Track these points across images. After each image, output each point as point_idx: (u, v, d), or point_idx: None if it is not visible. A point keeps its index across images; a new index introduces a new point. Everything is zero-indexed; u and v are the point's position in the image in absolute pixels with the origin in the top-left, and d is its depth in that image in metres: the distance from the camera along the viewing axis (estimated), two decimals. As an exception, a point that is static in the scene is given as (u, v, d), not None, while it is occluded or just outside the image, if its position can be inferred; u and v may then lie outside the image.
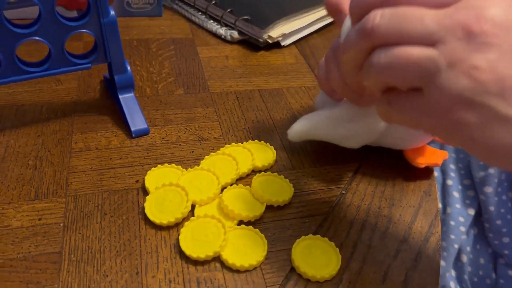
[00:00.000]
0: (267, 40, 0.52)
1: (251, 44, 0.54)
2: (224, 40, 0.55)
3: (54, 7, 0.32)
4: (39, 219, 0.31)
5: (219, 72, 0.49)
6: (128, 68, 0.38)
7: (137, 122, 0.38)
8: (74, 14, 0.53)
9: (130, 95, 0.39)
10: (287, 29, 0.53)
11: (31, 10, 0.51)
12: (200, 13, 0.57)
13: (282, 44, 0.53)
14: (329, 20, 0.58)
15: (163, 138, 0.39)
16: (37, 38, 0.33)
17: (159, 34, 0.55)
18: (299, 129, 0.35)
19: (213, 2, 0.56)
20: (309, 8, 0.55)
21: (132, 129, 0.38)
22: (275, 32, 0.52)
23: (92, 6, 0.33)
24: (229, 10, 0.54)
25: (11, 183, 0.33)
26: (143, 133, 0.38)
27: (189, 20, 0.58)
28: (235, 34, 0.53)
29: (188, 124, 0.41)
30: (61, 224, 0.30)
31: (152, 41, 0.53)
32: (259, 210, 0.32)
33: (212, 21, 0.56)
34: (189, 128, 0.40)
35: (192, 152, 0.38)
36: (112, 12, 0.34)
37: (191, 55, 0.51)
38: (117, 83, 0.37)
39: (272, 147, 0.38)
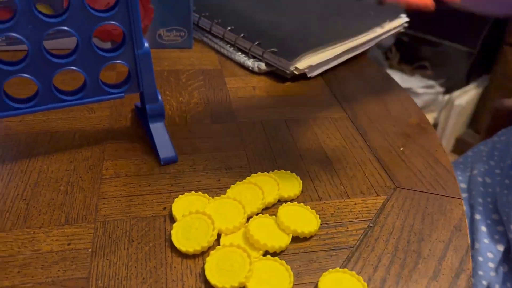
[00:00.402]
0: (294, 71, 0.53)
1: (278, 75, 0.55)
2: (251, 71, 0.56)
3: (91, 39, 0.33)
4: (68, 244, 0.31)
5: (246, 102, 0.50)
6: (160, 97, 0.39)
7: (166, 150, 0.39)
8: (108, 45, 0.56)
9: (160, 124, 0.40)
10: (314, 61, 0.53)
11: (68, 41, 0.54)
12: (229, 45, 0.59)
13: (309, 75, 0.54)
14: (355, 52, 0.59)
15: (190, 166, 0.39)
16: (74, 68, 0.34)
17: (189, 65, 0.56)
18: None
19: (242, 35, 0.57)
20: (335, 41, 0.56)
21: (161, 157, 0.39)
22: (302, 64, 0.53)
23: (127, 38, 0.34)
24: (257, 42, 0.55)
25: (43, 208, 0.34)
26: (171, 161, 0.39)
27: (218, 52, 0.60)
28: (262, 65, 0.55)
29: (215, 153, 0.41)
30: (90, 250, 0.31)
31: (182, 72, 0.55)
32: (284, 241, 0.32)
33: (240, 53, 0.57)
34: (216, 156, 0.41)
35: (219, 180, 0.38)
36: (146, 44, 0.35)
37: (219, 86, 0.53)
38: (148, 112, 0.38)
39: (298, 177, 0.38)
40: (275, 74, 0.55)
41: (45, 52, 0.33)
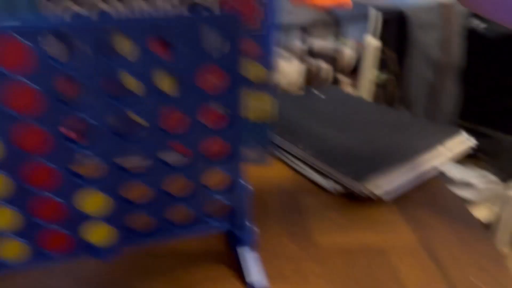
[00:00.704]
0: (369, 194, 0.56)
1: (352, 195, 0.58)
2: (326, 190, 0.59)
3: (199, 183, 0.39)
4: None
5: (323, 223, 0.53)
6: (250, 225, 0.43)
7: (254, 275, 0.42)
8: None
9: (249, 250, 0.43)
10: (386, 183, 0.57)
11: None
12: (304, 164, 0.63)
13: (384, 199, 0.57)
14: (428, 174, 0.62)
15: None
16: (185, 206, 0.39)
17: (264, 182, 0.61)
18: None
19: (317, 156, 0.62)
20: (405, 160, 0.60)
21: (248, 281, 0.42)
22: (375, 186, 0.56)
23: (234, 184, 0.39)
24: (333, 165, 0.60)
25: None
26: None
27: (293, 169, 0.65)
28: (338, 187, 0.58)
29: (298, 281, 0.44)
30: None
31: (259, 189, 0.59)
32: None
33: (314, 171, 0.62)
34: (299, 284, 0.43)
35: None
36: (248, 185, 0.40)
37: (295, 204, 0.56)
38: (238, 237, 0.43)
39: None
40: (350, 195, 0.58)
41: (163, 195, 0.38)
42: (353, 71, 1.55)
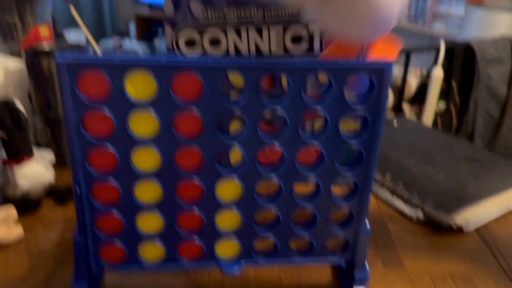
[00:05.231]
0: (451, 225, 0.59)
1: (433, 223, 0.61)
2: (408, 218, 0.63)
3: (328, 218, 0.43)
4: None
5: (410, 249, 0.56)
6: (367, 266, 0.47)
7: None
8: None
9: None
10: (470, 216, 0.60)
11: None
12: (387, 190, 0.67)
13: (465, 230, 0.60)
14: (508, 208, 0.64)
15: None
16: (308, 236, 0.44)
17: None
18: None
19: (400, 184, 0.65)
20: (488, 196, 0.62)
21: None
22: (460, 218, 0.59)
23: (355, 218, 0.44)
24: (415, 193, 0.63)
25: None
26: None
27: (375, 195, 0.69)
28: (420, 214, 0.62)
29: (394, 301, 0.48)
30: None
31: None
32: None
33: (397, 198, 0.66)
34: (396, 305, 0.47)
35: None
36: (368, 224, 0.45)
37: (382, 229, 0.60)
38: (355, 278, 0.46)
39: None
40: (431, 223, 0.62)
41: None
42: (415, 100, 1.57)
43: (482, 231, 0.61)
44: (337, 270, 0.52)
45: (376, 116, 0.39)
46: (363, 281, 0.47)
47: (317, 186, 0.42)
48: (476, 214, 0.61)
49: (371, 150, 0.41)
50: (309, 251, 0.46)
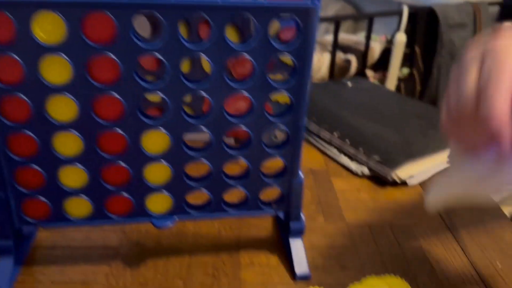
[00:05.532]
0: (395, 179, 0.59)
1: (378, 179, 0.61)
2: (354, 173, 0.63)
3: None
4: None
5: (352, 203, 0.57)
6: (303, 217, 0.46)
7: (301, 267, 0.45)
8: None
9: (299, 240, 0.46)
10: (414, 170, 0.60)
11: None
12: (334, 148, 0.67)
13: (409, 184, 0.60)
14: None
15: (310, 263, 0.46)
16: (241, 188, 0.43)
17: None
18: (436, 199, 0.35)
19: (347, 141, 0.65)
20: (435, 152, 0.63)
21: (297, 273, 0.44)
22: (403, 173, 0.59)
23: (288, 169, 0.43)
24: (361, 149, 0.63)
25: (197, 287, 0.42)
26: (305, 278, 0.44)
27: (322, 152, 0.68)
28: (366, 170, 0.62)
29: (330, 252, 0.48)
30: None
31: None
32: None
33: (344, 155, 0.65)
34: (331, 255, 0.47)
35: (336, 279, 0.44)
36: (302, 175, 0.44)
37: (327, 185, 0.60)
38: (291, 229, 0.46)
39: (409, 285, 0.43)
40: (376, 178, 0.62)
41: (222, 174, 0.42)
42: (380, 66, 1.57)
43: (427, 185, 0.62)
44: (277, 224, 0.52)
45: (303, 60, 0.38)
46: (298, 233, 0.47)
47: (248, 136, 0.41)
48: (421, 169, 0.61)
49: (300, 97, 0.40)
50: (244, 204, 0.45)
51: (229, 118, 0.40)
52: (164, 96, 0.37)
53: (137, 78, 0.36)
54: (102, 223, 0.43)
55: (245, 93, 0.39)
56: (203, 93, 0.38)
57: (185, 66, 0.38)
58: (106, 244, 0.47)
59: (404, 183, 0.61)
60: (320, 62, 1.33)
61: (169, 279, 0.43)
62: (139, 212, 0.43)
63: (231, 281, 0.43)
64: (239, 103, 0.40)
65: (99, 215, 0.42)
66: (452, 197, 0.35)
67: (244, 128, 0.40)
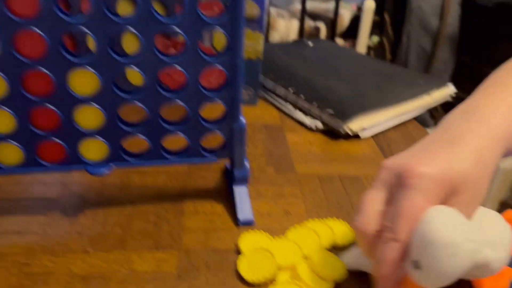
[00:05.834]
0: (348, 131, 0.59)
1: (333, 133, 0.61)
2: (308, 128, 0.63)
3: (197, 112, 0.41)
4: (158, 267, 0.38)
5: (304, 156, 0.56)
6: (247, 164, 0.45)
7: (245, 213, 0.44)
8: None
9: (243, 187, 0.46)
10: (367, 123, 0.60)
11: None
12: (289, 104, 0.66)
13: (361, 136, 0.60)
14: (406, 117, 0.65)
15: (255, 210, 0.45)
16: (182, 135, 0.42)
17: (253, 119, 0.64)
18: (346, 262, 0.39)
19: (302, 96, 0.64)
20: (387, 106, 0.62)
21: (240, 219, 0.44)
22: (355, 125, 0.59)
23: (228, 113, 0.42)
24: (315, 103, 0.63)
25: (136, 234, 0.41)
26: (248, 223, 0.44)
27: (278, 109, 0.68)
28: (319, 124, 0.61)
29: (277, 200, 0.47)
30: (175, 273, 0.37)
31: (248, 126, 0.62)
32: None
33: (299, 111, 0.65)
34: (278, 203, 0.47)
35: (280, 223, 0.44)
36: (243, 120, 0.43)
37: (280, 139, 0.60)
38: (235, 176, 0.45)
39: (348, 225, 0.43)
40: (330, 132, 0.61)
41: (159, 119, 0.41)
42: (350, 34, 1.56)
43: (379, 138, 0.62)
44: (225, 173, 0.51)
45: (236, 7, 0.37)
46: (243, 180, 0.46)
47: (184, 77, 0.40)
48: (373, 122, 0.61)
49: (235, 35, 0.39)
50: (186, 151, 0.44)
51: (162, 57, 0.38)
52: (88, 32, 0.36)
53: (57, 11, 0.35)
54: (35, 170, 0.41)
55: (177, 29, 0.37)
56: (131, 28, 0.36)
57: None
58: (45, 196, 0.46)
59: (357, 136, 0.61)
60: (288, 29, 1.32)
61: (107, 227, 0.42)
62: (74, 159, 0.41)
63: (172, 228, 0.42)
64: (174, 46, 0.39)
65: (31, 162, 0.41)
66: (361, 266, 0.38)
67: (179, 68, 0.39)
